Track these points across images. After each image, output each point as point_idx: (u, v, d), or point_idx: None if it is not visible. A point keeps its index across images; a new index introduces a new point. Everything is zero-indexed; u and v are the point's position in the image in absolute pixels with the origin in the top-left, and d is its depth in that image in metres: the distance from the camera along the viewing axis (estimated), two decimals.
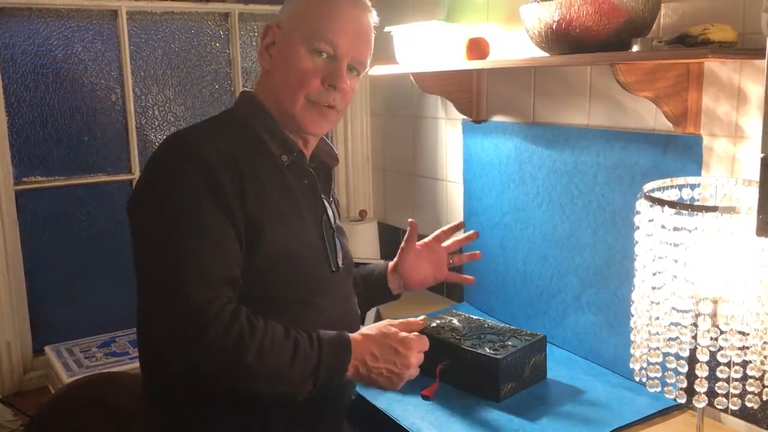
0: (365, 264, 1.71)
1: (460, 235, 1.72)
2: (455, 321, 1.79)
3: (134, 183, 2.34)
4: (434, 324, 1.77)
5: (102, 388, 1.84)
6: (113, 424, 1.74)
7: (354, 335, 1.30)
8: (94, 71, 2.25)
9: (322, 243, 1.40)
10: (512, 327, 1.75)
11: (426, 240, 1.69)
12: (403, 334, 1.33)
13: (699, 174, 1.48)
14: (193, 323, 1.14)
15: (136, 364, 2.02)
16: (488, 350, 1.60)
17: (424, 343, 1.35)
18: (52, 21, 2.16)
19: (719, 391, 1.14)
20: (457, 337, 1.69)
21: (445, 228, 1.70)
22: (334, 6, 1.33)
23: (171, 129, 2.39)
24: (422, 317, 1.44)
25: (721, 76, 1.44)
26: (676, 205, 1.13)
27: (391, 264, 1.67)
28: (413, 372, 1.33)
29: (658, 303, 1.18)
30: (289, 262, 1.31)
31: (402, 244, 1.65)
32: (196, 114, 2.44)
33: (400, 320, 1.38)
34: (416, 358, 1.32)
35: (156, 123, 2.37)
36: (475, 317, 1.82)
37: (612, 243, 1.71)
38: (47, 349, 2.14)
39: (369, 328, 1.34)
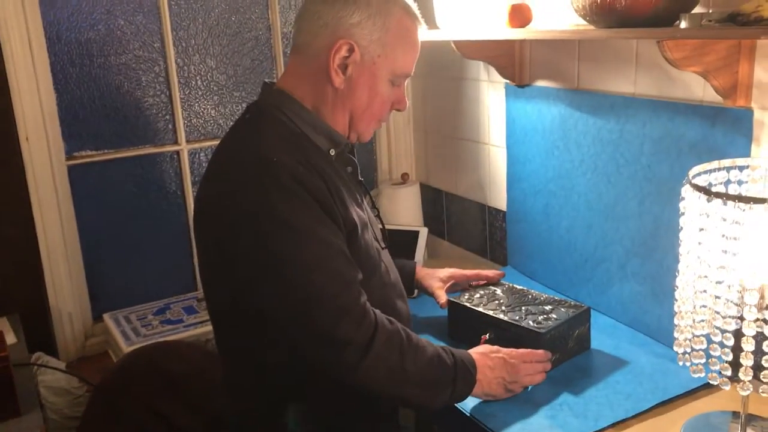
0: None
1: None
2: (499, 291, 1.81)
3: (182, 154, 2.38)
4: (478, 294, 1.80)
5: (159, 356, 1.93)
6: (170, 390, 1.83)
7: (471, 351, 1.46)
8: (137, 44, 2.27)
9: (372, 226, 1.44)
10: (556, 297, 1.76)
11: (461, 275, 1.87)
12: (510, 349, 1.50)
13: (748, 149, 1.44)
14: (361, 334, 1.24)
15: (191, 332, 2.13)
16: (531, 323, 1.62)
17: (534, 355, 1.51)
18: None
19: (764, 380, 1.15)
20: (501, 308, 1.71)
21: (486, 273, 1.88)
22: (415, 36, 1.38)
23: (214, 98, 2.41)
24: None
25: None
26: (723, 195, 1.11)
27: (421, 271, 1.87)
28: (527, 380, 1.48)
29: (703, 291, 1.17)
30: (368, 254, 1.38)
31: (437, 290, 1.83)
32: (238, 82, 2.45)
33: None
34: (524, 369, 1.47)
35: (200, 93, 2.39)
36: (518, 287, 1.83)
37: (658, 214, 1.69)
38: (105, 317, 2.23)
39: (477, 348, 1.50)
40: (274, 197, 1.22)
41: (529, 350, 1.52)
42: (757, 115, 1.44)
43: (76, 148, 2.23)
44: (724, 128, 1.49)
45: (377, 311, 1.30)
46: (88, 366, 2.20)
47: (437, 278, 1.84)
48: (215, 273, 1.37)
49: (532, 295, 1.77)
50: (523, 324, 1.62)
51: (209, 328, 2.10)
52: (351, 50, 1.30)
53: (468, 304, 1.74)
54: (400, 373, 1.28)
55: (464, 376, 1.38)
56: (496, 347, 1.50)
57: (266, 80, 1.42)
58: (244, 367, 1.42)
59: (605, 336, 1.77)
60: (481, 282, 1.86)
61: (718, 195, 1.12)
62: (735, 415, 1.38)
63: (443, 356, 1.36)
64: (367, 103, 1.36)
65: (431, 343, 1.38)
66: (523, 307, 1.70)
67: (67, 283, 2.21)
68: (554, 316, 1.65)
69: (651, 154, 1.68)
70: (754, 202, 1.08)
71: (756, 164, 1.26)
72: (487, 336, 1.64)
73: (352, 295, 1.26)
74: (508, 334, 1.63)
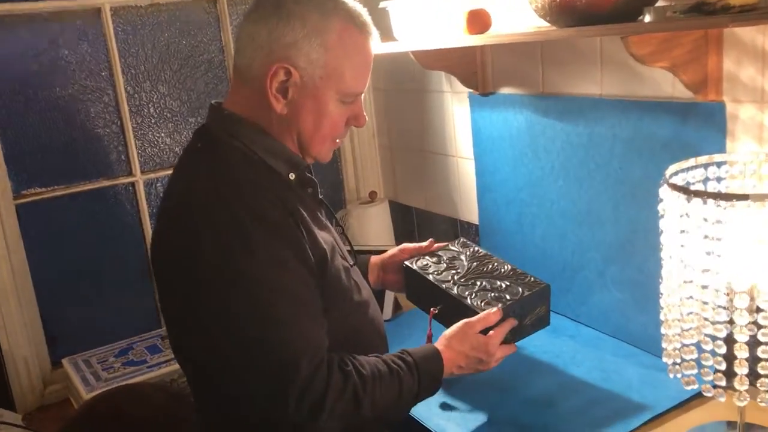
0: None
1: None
2: (462, 257, 1.63)
3: (137, 186, 2.28)
4: (435, 259, 1.62)
5: (122, 401, 1.82)
6: None
7: (441, 348, 1.36)
8: (83, 74, 2.17)
9: (339, 245, 1.36)
10: (518, 270, 1.57)
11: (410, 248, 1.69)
12: (485, 339, 1.38)
13: (723, 144, 1.39)
14: (310, 395, 1.14)
15: (155, 373, 2.01)
16: (479, 302, 1.45)
17: (501, 333, 1.40)
18: (35, 26, 2.08)
19: (761, 388, 1.07)
20: (454, 279, 1.55)
21: (422, 245, 1.68)
22: (363, 49, 1.26)
23: (168, 126, 2.32)
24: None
25: (744, 38, 1.33)
26: (703, 194, 1.04)
27: (374, 258, 1.69)
28: (494, 365, 1.41)
29: (689, 297, 1.10)
30: (339, 279, 1.29)
31: (396, 251, 1.69)
32: (193, 107, 2.36)
33: (479, 317, 1.41)
34: (495, 360, 1.40)
35: (152, 121, 2.29)
36: (483, 252, 1.65)
37: (634, 217, 1.63)
38: (65, 362, 2.11)
39: (453, 334, 1.38)
40: (236, 247, 1.12)
41: (497, 331, 1.39)
42: (730, 108, 1.38)
43: (24, 185, 2.12)
44: (696, 124, 1.43)
45: (333, 363, 1.20)
46: (48, 416, 2.08)
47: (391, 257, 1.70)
48: (177, 315, 1.27)
49: (493, 265, 1.60)
50: (468, 303, 1.46)
51: (174, 367, 2.00)
52: (288, 74, 1.20)
53: (419, 270, 1.59)
54: (357, 419, 1.21)
55: (427, 388, 1.33)
56: (475, 337, 1.38)
57: (213, 102, 1.32)
58: (218, 409, 1.31)
59: (589, 348, 1.70)
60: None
61: (697, 194, 1.05)
62: (730, 425, 1.30)
63: (404, 378, 1.27)
64: (314, 126, 1.26)
65: (390, 363, 1.27)
66: (477, 281, 1.54)
67: (21, 329, 2.09)
68: (507, 295, 1.48)
69: (622, 156, 1.62)
70: (737, 199, 1.02)
71: (734, 159, 1.20)
72: (436, 310, 1.52)
73: (308, 358, 1.15)
74: (453, 310, 1.48)
